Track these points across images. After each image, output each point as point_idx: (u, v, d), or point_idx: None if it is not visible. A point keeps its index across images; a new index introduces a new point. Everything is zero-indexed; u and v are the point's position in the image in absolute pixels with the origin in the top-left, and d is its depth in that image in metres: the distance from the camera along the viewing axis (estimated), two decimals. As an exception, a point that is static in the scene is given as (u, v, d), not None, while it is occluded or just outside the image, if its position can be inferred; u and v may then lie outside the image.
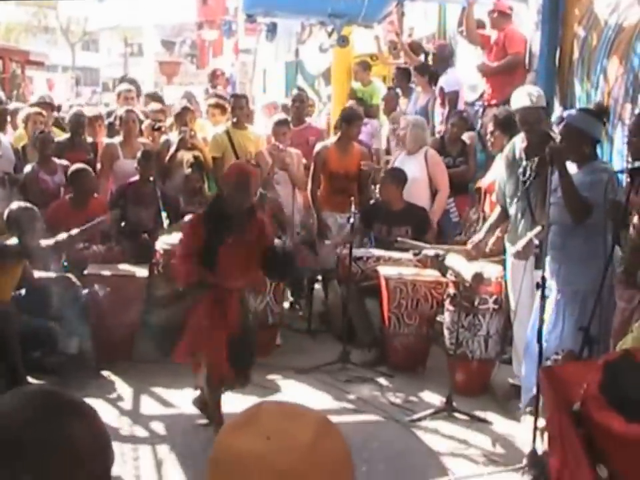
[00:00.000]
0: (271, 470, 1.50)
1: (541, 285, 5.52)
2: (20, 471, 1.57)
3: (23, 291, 7.20)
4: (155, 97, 11.95)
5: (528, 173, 6.51)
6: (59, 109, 12.70)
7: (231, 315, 5.77)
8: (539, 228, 6.20)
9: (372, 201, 8.81)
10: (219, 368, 5.71)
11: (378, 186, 8.96)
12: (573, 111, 6.38)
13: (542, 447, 5.49)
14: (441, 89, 10.52)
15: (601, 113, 6.07)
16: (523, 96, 6.70)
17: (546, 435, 5.18)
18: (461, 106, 10.38)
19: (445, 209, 8.93)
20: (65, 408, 1.69)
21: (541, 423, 5.53)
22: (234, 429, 1.58)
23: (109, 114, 11.27)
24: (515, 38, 9.82)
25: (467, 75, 10.85)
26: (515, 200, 6.65)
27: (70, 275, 7.42)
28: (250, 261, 5.90)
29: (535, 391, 5.49)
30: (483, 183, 8.31)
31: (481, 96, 10.35)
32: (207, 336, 5.70)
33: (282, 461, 1.50)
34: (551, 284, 5.86)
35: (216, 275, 5.74)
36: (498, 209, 7.02)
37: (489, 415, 6.56)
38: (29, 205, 7.20)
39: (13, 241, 6.82)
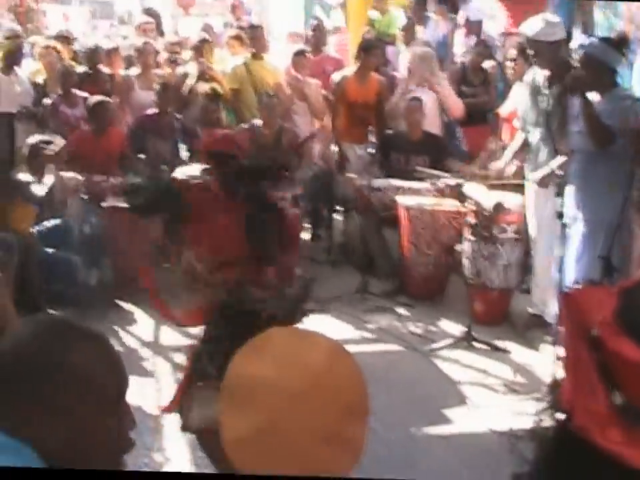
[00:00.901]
0: (284, 395, 1.48)
1: (561, 214, 5.48)
2: (26, 401, 1.56)
3: (46, 224, 7.19)
4: (150, 12, 11.95)
5: (549, 100, 6.41)
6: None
7: None
8: (561, 158, 6.14)
9: (389, 131, 8.71)
10: None
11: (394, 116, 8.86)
12: (592, 40, 6.24)
13: (562, 376, 5.48)
14: (467, 19, 10.37)
15: (620, 43, 5.94)
16: (530, 25, 6.57)
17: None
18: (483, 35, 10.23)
19: (455, 136, 8.85)
20: (73, 334, 1.67)
21: (561, 351, 5.51)
22: (246, 355, 1.56)
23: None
24: None
25: (485, 5, 10.70)
26: (537, 128, 6.55)
27: (88, 207, 7.41)
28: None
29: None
30: (502, 111, 8.24)
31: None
32: None
33: (294, 385, 1.49)
34: (576, 214, 5.79)
35: None
36: (521, 136, 6.91)
37: (509, 344, 6.54)
38: (49, 138, 7.16)
39: (25, 177, 6.80)
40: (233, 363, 1.58)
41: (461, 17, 10.54)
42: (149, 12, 12.27)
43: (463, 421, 5.36)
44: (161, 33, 12.03)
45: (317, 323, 6.07)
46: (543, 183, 6.41)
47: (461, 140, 8.92)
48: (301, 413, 1.48)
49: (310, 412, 1.49)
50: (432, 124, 8.62)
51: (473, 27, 10.26)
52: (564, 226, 5.51)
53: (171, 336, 6.62)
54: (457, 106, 8.80)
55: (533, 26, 6.51)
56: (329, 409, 1.50)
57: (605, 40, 6.17)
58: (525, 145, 6.83)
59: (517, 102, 7.18)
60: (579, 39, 7.62)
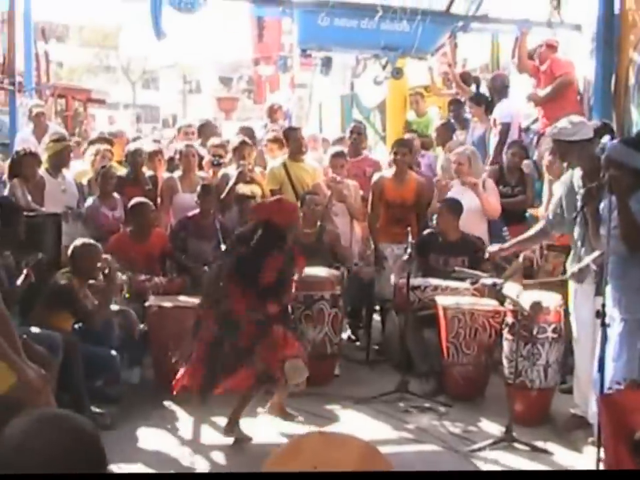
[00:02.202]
0: None
1: (601, 314, 5.42)
2: None
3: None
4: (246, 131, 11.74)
5: (584, 200, 6.41)
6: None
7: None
8: (597, 253, 6.11)
9: (427, 231, 8.72)
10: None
11: (434, 216, 8.90)
12: (613, 142, 6.21)
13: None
14: (494, 120, 10.48)
15: None
16: (554, 126, 6.64)
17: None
18: (515, 136, 10.29)
19: (502, 236, 8.82)
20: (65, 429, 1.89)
21: (604, 454, 5.42)
22: (281, 460, 1.55)
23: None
24: (561, 62, 9.91)
25: (521, 105, 10.82)
26: (576, 227, 6.55)
27: (129, 310, 7.46)
28: None
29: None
30: (540, 211, 8.26)
31: (535, 121, 10.33)
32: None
33: None
34: (614, 313, 5.74)
35: None
36: (541, 223, 6.96)
37: (550, 446, 6.43)
38: (92, 242, 7.24)
39: (61, 282, 6.89)
40: (267, 466, 1.57)
41: (492, 119, 10.64)
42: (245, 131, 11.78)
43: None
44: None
45: (356, 422, 6.04)
46: (579, 277, 6.40)
47: (507, 239, 8.87)
48: None
49: None
50: (477, 223, 8.65)
51: (499, 130, 10.37)
52: (604, 325, 5.44)
53: (210, 435, 6.60)
54: (493, 208, 8.81)
55: (556, 126, 6.59)
56: None
57: (625, 141, 6.15)
58: (544, 235, 6.91)
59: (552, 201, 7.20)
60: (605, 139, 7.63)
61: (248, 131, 11.36)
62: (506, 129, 10.34)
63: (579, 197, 6.47)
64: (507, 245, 7.13)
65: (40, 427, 1.88)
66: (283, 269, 6.36)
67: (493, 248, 7.25)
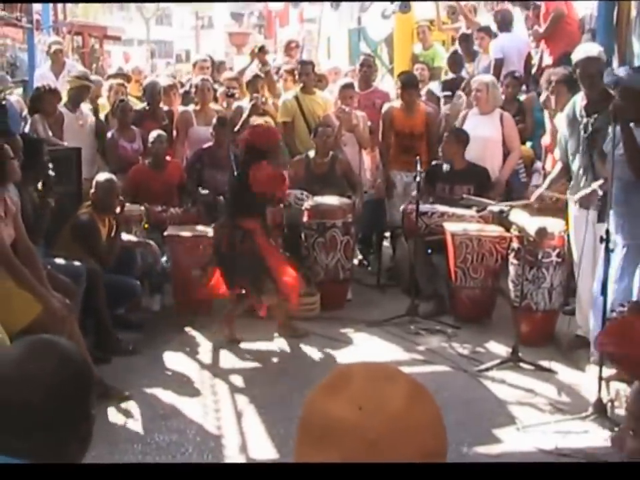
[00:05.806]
0: (363, 438, 1.40)
1: (605, 239, 5.37)
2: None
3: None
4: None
5: (589, 129, 6.31)
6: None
7: None
8: (602, 180, 6.04)
9: (435, 161, 8.60)
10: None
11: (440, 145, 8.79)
12: (629, 71, 6.07)
13: (607, 396, 5.38)
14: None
15: None
16: (585, 49, 6.50)
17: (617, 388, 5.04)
18: (517, 68, 10.06)
19: (515, 169, 8.70)
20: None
21: (606, 372, 5.41)
22: (325, 394, 1.47)
23: (183, 84, 11.22)
24: None
25: (524, 37, 10.68)
26: (578, 156, 6.46)
27: (151, 241, 7.42)
28: None
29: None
30: (543, 141, 8.15)
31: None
32: None
33: (374, 429, 1.40)
34: (617, 238, 5.69)
35: None
36: (559, 165, 6.85)
37: (554, 365, 6.42)
38: (112, 176, 7.14)
39: (84, 217, 6.81)
40: (311, 399, 1.50)
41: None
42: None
43: (511, 440, 5.24)
44: None
45: (369, 345, 6.02)
46: (583, 203, 6.33)
47: (520, 171, 8.74)
48: (375, 456, 1.40)
49: (385, 456, 1.41)
50: (495, 154, 8.50)
51: (494, 65, 10.22)
52: (608, 250, 5.39)
53: (229, 359, 6.61)
54: (516, 141, 8.65)
55: (581, 50, 6.50)
56: (404, 453, 1.42)
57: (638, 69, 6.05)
58: (565, 173, 6.75)
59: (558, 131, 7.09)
60: (618, 70, 7.47)
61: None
62: (498, 64, 10.18)
63: (582, 127, 6.38)
64: (544, 189, 6.98)
65: (32, 354, 1.89)
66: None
67: (534, 195, 7.08)
